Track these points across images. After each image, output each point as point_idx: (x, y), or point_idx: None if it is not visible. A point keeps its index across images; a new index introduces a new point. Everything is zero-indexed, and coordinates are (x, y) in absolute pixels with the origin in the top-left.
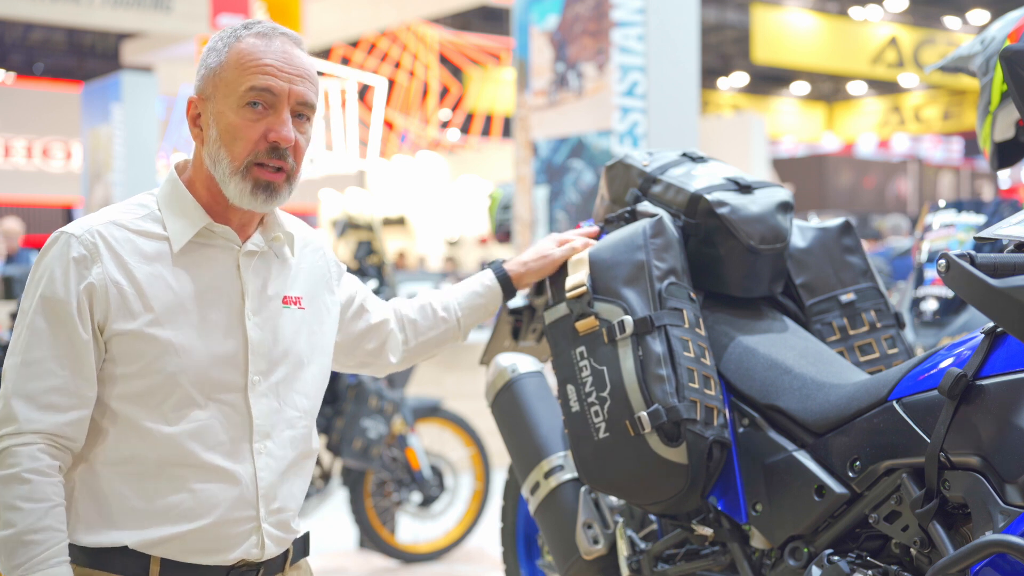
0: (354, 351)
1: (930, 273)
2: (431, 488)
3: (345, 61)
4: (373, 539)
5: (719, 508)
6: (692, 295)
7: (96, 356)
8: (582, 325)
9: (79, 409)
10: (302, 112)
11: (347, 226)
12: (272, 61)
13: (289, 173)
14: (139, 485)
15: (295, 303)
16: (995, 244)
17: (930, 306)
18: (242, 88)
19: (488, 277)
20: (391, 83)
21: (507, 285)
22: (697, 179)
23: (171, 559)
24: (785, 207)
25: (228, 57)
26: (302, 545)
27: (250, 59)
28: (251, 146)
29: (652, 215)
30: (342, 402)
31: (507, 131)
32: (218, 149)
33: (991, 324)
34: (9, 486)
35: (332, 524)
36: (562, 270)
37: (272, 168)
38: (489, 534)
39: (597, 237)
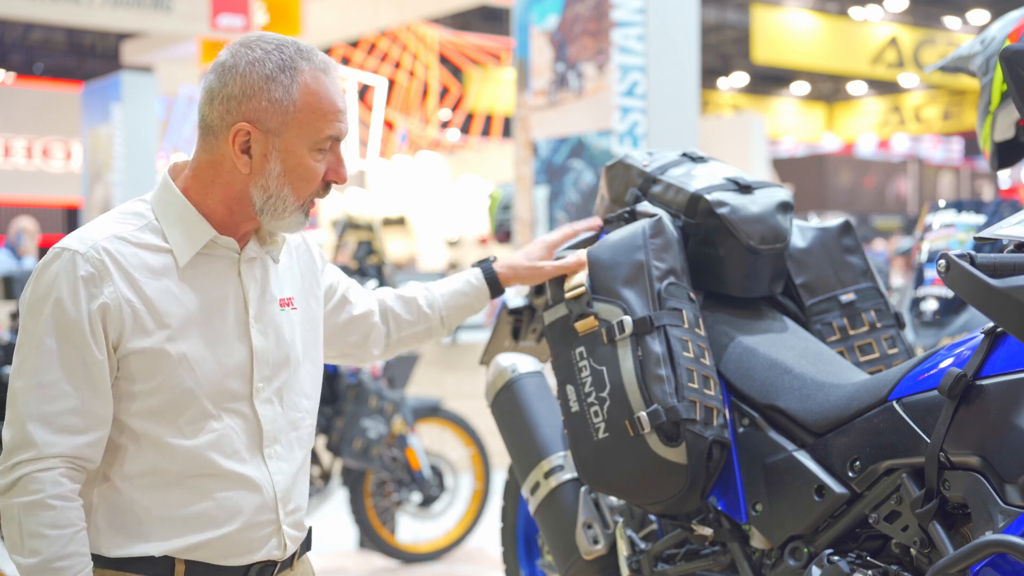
0: (335, 343)
1: (930, 273)
2: (431, 488)
3: (345, 61)
4: (373, 539)
5: (719, 508)
6: (691, 295)
7: (110, 375)
8: (581, 325)
9: (96, 430)
10: None
11: (347, 226)
12: (342, 106)
13: None
14: (161, 496)
15: (288, 304)
16: (995, 244)
17: (930, 306)
18: (322, 135)
19: (475, 276)
20: (391, 83)
21: (494, 285)
22: (697, 179)
23: (196, 561)
24: (785, 207)
25: (300, 96)
26: (306, 541)
27: (327, 105)
28: (316, 186)
29: (651, 215)
30: (342, 402)
31: (507, 131)
32: (281, 187)
33: (991, 324)
34: (33, 513)
35: (332, 524)
36: None
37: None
38: (489, 534)
39: (597, 236)
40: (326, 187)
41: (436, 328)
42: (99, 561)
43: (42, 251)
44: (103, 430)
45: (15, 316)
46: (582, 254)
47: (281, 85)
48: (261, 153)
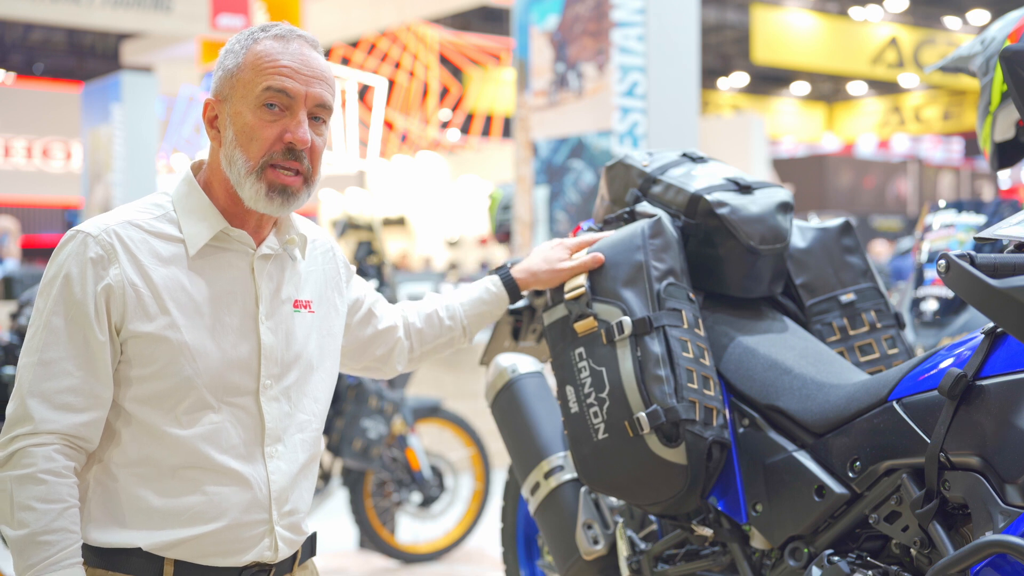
0: (361, 356)
1: (930, 273)
2: (431, 488)
3: (345, 61)
4: (373, 539)
5: (719, 508)
6: (691, 296)
7: (112, 357)
8: (581, 326)
9: (94, 410)
10: (318, 114)
11: (347, 226)
12: (289, 63)
13: (306, 175)
14: (153, 486)
15: (306, 306)
16: (995, 244)
17: (930, 306)
18: (259, 89)
19: (495, 283)
20: (391, 83)
21: (513, 291)
22: (697, 179)
23: (185, 561)
24: (785, 207)
25: (245, 59)
26: (310, 546)
27: (267, 61)
28: (267, 146)
29: (651, 215)
30: (342, 402)
31: (507, 131)
32: (234, 150)
33: (991, 324)
34: (24, 486)
35: (332, 524)
36: None
37: (289, 171)
38: (489, 534)
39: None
40: (287, 151)
41: (459, 338)
42: (89, 556)
43: (24, 252)
44: (101, 411)
45: (15, 316)
46: (598, 256)
47: (233, 54)
48: (221, 122)
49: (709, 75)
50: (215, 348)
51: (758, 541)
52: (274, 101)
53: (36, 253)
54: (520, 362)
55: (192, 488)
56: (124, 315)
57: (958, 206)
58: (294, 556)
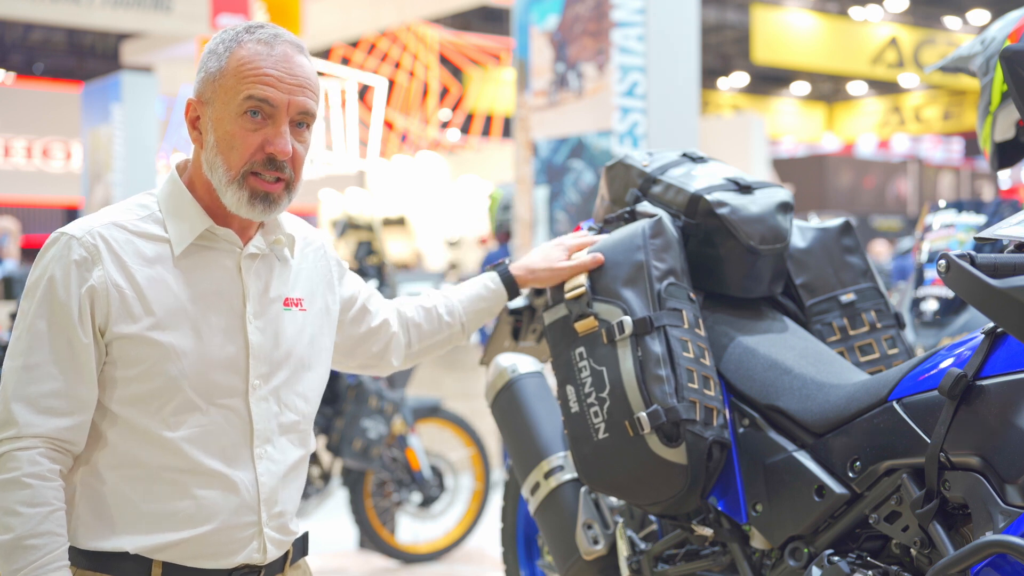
0: (355, 353)
1: (930, 273)
2: (431, 488)
3: (345, 61)
4: (373, 539)
5: (719, 508)
6: (691, 295)
7: (97, 359)
8: (581, 326)
9: (79, 413)
10: (302, 120)
11: (347, 226)
12: (272, 71)
13: (288, 182)
14: (141, 489)
15: (296, 305)
16: (995, 244)
17: (930, 306)
18: (240, 97)
19: (493, 280)
20: (391, 83)
21: (512, 288)
22: (697, 179)
23: (173, 563)
24: (785, 207)
25: (228, 63)
26: (301, 545)
27: (250, 67)
28: (247, 155)
29: (652, 215)
30: (342, 402)
31: (507, 131)
32: (215, 156)
33: (991, 324)
34: (9, 490)
35: (332, 524)
36: None
37: (270, 179)
38: (489, 534)
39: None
40: (268, 161)
41: (457, 335)
42: (78, 559)
43: (24, 252)
44: (86, 414)
45: (15, 316)
46: (598, 257)
47: (216, 56)
48: (203, 125)
49: (709, 75)
50: (201, 348)
51: (758, 541)
52: (256, 109)
53: (36, 253)
54: (520, 362)
55: (181, 491)
56: (108, 317)
57: (958, 206)
58: (285, 556)
